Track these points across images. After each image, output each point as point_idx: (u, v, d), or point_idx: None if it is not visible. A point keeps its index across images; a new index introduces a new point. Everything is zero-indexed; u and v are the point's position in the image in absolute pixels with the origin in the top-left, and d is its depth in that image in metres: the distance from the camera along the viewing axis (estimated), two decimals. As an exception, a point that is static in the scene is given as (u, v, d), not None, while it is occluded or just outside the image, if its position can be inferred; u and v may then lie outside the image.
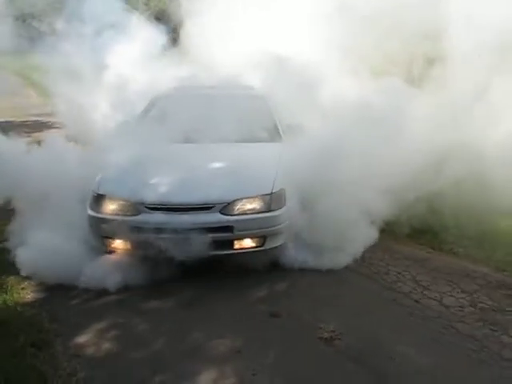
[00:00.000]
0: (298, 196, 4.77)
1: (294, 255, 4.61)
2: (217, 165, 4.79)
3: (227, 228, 4.29)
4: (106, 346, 3.58)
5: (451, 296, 4.23)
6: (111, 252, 4.44)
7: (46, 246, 4.34)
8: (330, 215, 4.79)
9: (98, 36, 7.99)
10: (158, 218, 4.26)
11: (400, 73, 7.04)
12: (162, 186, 4.44)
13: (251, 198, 4.40)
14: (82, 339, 3.64)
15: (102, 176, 4.59)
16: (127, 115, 5.77)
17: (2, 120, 11.49)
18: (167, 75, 6.65)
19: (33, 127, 11.59)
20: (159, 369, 3.29)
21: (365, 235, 5.04)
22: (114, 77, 6.92)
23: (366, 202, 5.19)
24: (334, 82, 6.56)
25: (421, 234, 5.44)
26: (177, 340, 3.63)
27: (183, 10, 7.96)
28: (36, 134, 9.72)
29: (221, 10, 7.62)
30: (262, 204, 4.42)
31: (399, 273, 4.64)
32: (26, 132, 10.17)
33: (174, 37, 7.82)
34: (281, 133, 5.53)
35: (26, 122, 12.44)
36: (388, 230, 5.42)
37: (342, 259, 4.69)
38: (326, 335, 3.63)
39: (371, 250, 5.01)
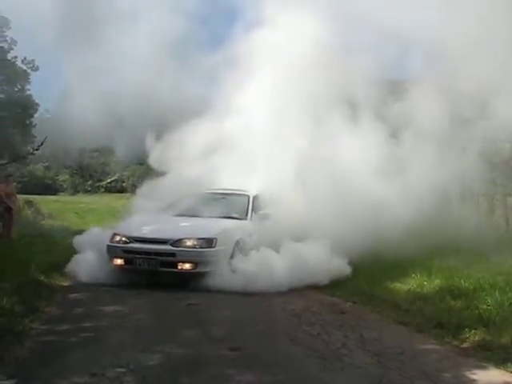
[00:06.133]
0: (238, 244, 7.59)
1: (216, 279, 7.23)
2: (184, 223, 7.89)
3: (172, 254, 7.24)
4: (81, 299, 6.68)
5: (295, 305, 6.41)
6: (115, 266, 7.61)
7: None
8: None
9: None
10: (137, 245, 7.43)
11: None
12: (144, 229, 7.66)
13: (191, 238, 7.33)
14: (70, 297, 6.79)
15: (118, 225, 8.00)
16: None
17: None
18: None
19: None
20: (97, 312, 6.19)
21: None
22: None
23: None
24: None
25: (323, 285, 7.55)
26: (114, 302, 6.47)
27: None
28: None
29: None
30: (197, 243, 7.29)
31: (286, 299, 6.88)
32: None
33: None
34: (248, 215, 8.42)
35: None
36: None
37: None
38: (192, 302, 6.27)
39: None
